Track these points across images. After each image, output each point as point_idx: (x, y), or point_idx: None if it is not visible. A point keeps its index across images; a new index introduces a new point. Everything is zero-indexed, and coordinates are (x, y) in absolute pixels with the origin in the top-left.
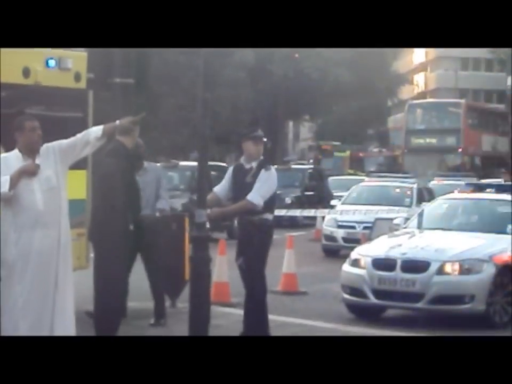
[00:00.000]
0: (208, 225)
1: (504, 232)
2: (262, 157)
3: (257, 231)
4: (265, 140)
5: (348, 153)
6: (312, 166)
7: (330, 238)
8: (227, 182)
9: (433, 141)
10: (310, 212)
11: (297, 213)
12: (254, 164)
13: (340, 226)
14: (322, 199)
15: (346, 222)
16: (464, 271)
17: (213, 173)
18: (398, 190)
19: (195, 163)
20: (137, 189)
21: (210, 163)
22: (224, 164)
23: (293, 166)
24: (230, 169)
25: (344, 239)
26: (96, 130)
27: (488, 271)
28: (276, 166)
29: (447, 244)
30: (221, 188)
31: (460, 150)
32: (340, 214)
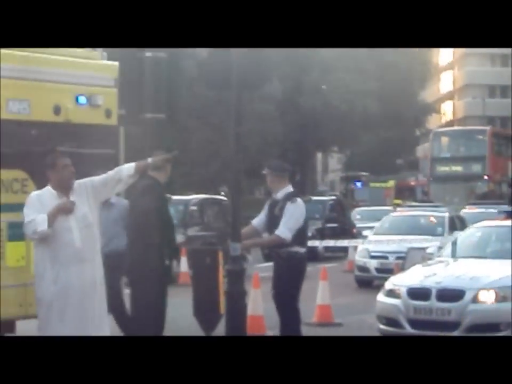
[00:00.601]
0: None
1: None
2: (291, 189)
3: (285, 264)
4: (286, 171)
5: (391, 183)
6: (333, 198)
7: (363, 268)
8: (263, 215)
9: (459, 168)
10: (343, 242)
11: (330, 243)
12: (280, 196)
13: (372, 257)
14: (345, 231)
15: (379, 252)
16: (499, 298)
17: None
18: (429, 219)
19: (188, 197)
20: (172, 224)
21: (211, 196)
22: (223, 197)
23: (314, 198)
24: (267, 202)
25: (377, 270)
26: (128, 168)
27: None
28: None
29: (481, 272)
30: (258, 220)
31: (486, 177)
32: (372, 244)
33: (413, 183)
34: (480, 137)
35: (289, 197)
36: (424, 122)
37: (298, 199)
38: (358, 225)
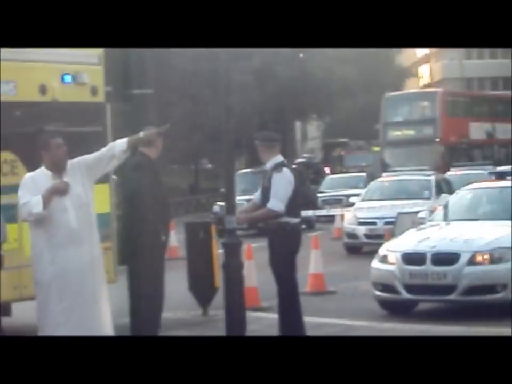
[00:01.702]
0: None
1: None
2: (280, 159)
3: (276, 236)
4: (275, 141)
5: None
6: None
7: (352, 235)
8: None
9: (411, 132)
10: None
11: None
12: (269, 167)
13: (361, 223)
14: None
15: (367, 218)
16: (495, 260)
17: None
18: (416, 183)
19: None
20: (165, 199)
21: None
22: None
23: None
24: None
25: (366, 236)
26: (121, 143)
27: None
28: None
29: (475, 234)
30: (257, 194)
31: (438, 140)
32: (360, 210)
33: None
34: (431, 99)
35: (276, 167)
36: (402, 87)
37: (284, 169)
38: (330, 193)
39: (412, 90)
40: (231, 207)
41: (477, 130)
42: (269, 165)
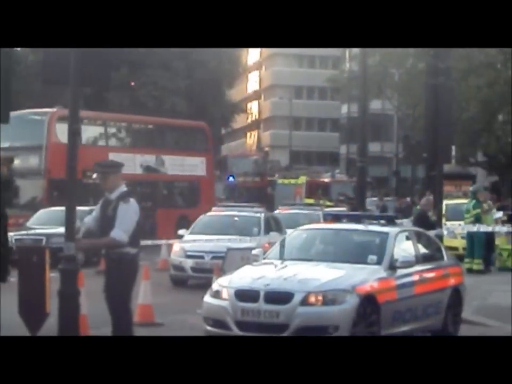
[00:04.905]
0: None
1: (365, 262)
2: (124, 189)
3: (116, 266)
4: (120, 168)
5: (302, 179)
6: None
7: (179, 268)
8: (96, 213)
9: (16, 162)
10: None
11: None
12: (114, 196)
13: (188, 256)
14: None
15: (195, 252)
16: (327, 301)
17: None
18: (245, 219)
19: None
20: (4, 224)
21: None
22: None
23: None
24: (100, 202)
25: (193, 269)
26: None
27: (352, 301)
28: None
29: (310, 275)
30: (91, 218)
31: (43, 173)
32: (189, 243)
33: (327, 181)
34: (41, 122)
35: (122, 197)
36: (231, 121)
37: (131, 199)
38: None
39: (26, 111)
40: (70, 234)
41: (127, 163)
42: (114, 194)
